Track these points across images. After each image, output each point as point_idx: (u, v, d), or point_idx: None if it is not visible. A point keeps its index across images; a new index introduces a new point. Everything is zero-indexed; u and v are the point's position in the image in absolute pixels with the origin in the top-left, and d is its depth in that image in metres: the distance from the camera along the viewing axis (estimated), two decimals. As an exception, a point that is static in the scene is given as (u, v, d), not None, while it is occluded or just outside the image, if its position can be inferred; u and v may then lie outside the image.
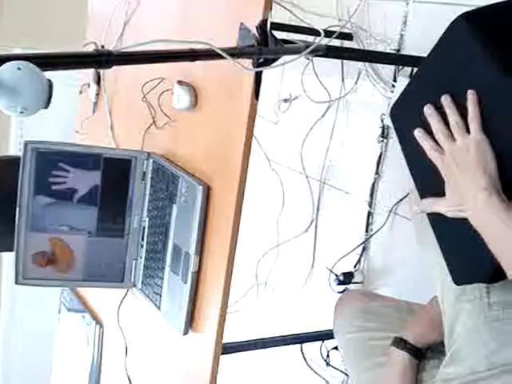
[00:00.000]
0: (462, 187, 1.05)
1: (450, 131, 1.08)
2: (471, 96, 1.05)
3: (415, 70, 1.27)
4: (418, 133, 1.13)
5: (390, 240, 2.02)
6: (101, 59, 1.02)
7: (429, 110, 1.11)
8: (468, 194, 1.04)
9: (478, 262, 1.09)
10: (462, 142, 1.05)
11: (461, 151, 1.05)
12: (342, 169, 2.19)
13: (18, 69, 0.88)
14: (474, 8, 1.08)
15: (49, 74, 0.95)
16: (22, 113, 0.88)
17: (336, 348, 1.98)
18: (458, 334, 1.18)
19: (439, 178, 1.10)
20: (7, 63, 0.87)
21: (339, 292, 2.09)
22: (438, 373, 1.25)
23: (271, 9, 1.24)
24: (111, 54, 1.03)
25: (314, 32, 1.42)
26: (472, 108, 1.05)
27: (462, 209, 1.07)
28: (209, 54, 1.14)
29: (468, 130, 1.06)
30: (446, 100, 1.09)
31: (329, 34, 1.42)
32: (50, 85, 0.90)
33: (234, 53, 1.18)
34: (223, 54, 1.14)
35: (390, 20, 1.96)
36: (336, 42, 2.01)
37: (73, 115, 2.06)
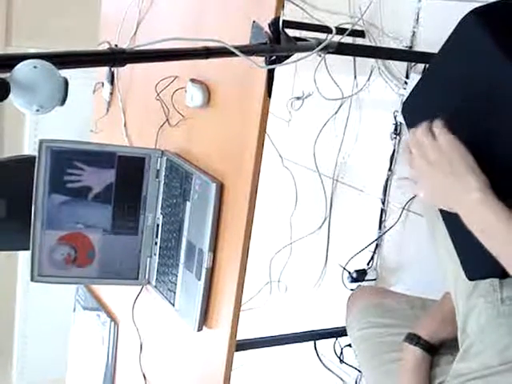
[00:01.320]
0: (448, 190, 1.05)
1: None
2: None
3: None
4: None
5: (403, 237, 2.01)
6: (115, 57, 1.03)
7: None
8: (457, 197, 1.04)
9: (491, 257, 1.09)
10: (429, 142, 1.06)
11: (432, 152, 1.05)
12: (355, 166, 2.19)
13: (34, 67, 0.89)
14: (484, 4, 1.09)
15: (66, 73, 0.96)
16: (38, 111, 0.90)
17: (350, 345, 1.99)
18: (471, 330, 1.19)
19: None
20: (24, 62, 0.89)
21: (352, 289, 2.09)
22: (451, 368, 1.25)
23: (283, 7, 1.25)
24: (125, 52, 1.05)
25: (326, 29, 1.42)
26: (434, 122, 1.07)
27: (450, 207, 1.07)
28: (222, 52, 1.15)
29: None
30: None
31: (341, 31, 1.42)
32: (66, 83, 0.91)
33: (247, 50, 1.19)
34: (236, 52, 1.15)
35: (402, 17, 1.96)
36: (348, 40, 2.02)
37: (88, 114, 2.07)
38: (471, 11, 1.07)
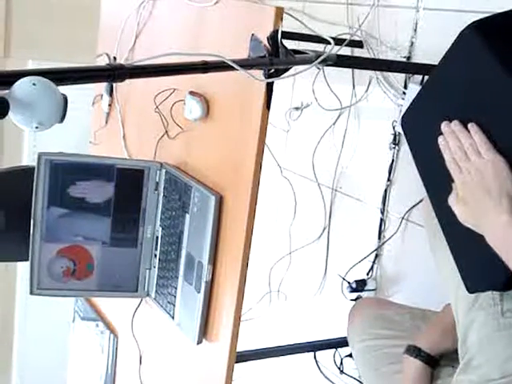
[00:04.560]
0: (481, 208, 1.05)
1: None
2: (472, 127, 1.07)
3: (426, 77, 1.27)
4: (442, 141, 1.12)
5: (403, 247, 2.01)
6: (114, 73, 1.03)
7: (446, 128, 1.11)
8: (487, 216, 1.03)
9: (491, 270, 1.09)
10: (478, 161, 1.05)
11: (477, 171, 1.05)
12: (354, 176, 2.19)
13: (33, 84, 0.89)
14: (482, 17, 1.09)
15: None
16: (37, 128, 0.89)
17: (349, 355, 1.98)
18: (472, 342, 1.18)
19: (451, 187, 1.11)
20: (22, 79, 0.89)
21: (352, 299, 2.09)
22: (451, 381, 1.25)
23: (282, 20, 1.25)
24: (124, 68, 1.05)
25: (324, 40, 1.42)
26: (477, 137, 1.06)
27: (478, 226, 1.06)
28: (220, 66, 1.15)
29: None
30: (456, 126, 1.09)
31: (339, 42, 1.42)
32: (65, 99, 0.91)
33: (245, 64, 1.19)
34: (234, 66, 1.15)
35: (400, 27, 1.96)
36: (347, 50, 2.02)
37: (87, 126, 2.07)
38: (470, 25, 1.07)
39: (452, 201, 1.10)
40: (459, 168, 1.09)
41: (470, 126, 1.07)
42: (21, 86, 0.88)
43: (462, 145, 1.08)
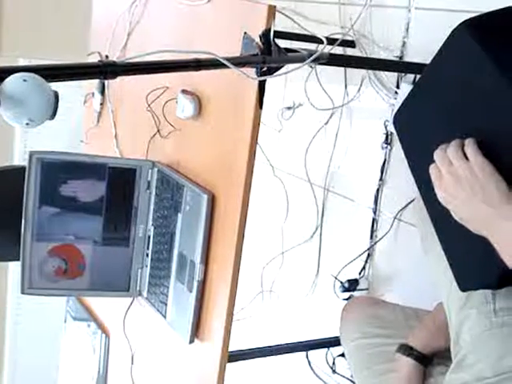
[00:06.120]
0: (483, 217, 1.02)
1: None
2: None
3: (418, 76, 1.27)
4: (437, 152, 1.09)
5: (395, 246, 2.01)
6: (106, 70, 1.02)
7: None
8: (495, 224, 1.00)
9: (484, 268, 1.09)
10: (458, 164, 1.03)
11: (471, 171, 1.02)
12: (346, 175, 2.19)
13: (24, 80, 0.88)
14: (474, 15, 1.09)
15: (55, 84, 0.95)
16: (28, 124, 0.89)
17: (342, 355, 1.98)
18: (464, 341, 1.18)
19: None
20: (13, 75, 0.88)
21: (344, 299, 2.09)
22: (444, 379, 1.25)
23: (274, 18, 1.25)
24: (116, 65, 1.04)
25: (316, 40, 1.42)
26: (467, 141, 1.04)
27: (478, 229, 1.05)
28: (213, 64, 1.15)
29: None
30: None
31: (331, 41, 1.42)
32: (56, 96, 0.91)
33: (238, 62, 1.19)
34: (227, 64, 1.15)
35: (392, 27, 1.96)
36: (339, 50, 2.02)
37: (78, 124, 2.06)
38: (462, 22, 1.07)
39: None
40: (451, 166, 1.07)
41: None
42: (11, 82, 0.88)
43: (442, 152, 1.07)
